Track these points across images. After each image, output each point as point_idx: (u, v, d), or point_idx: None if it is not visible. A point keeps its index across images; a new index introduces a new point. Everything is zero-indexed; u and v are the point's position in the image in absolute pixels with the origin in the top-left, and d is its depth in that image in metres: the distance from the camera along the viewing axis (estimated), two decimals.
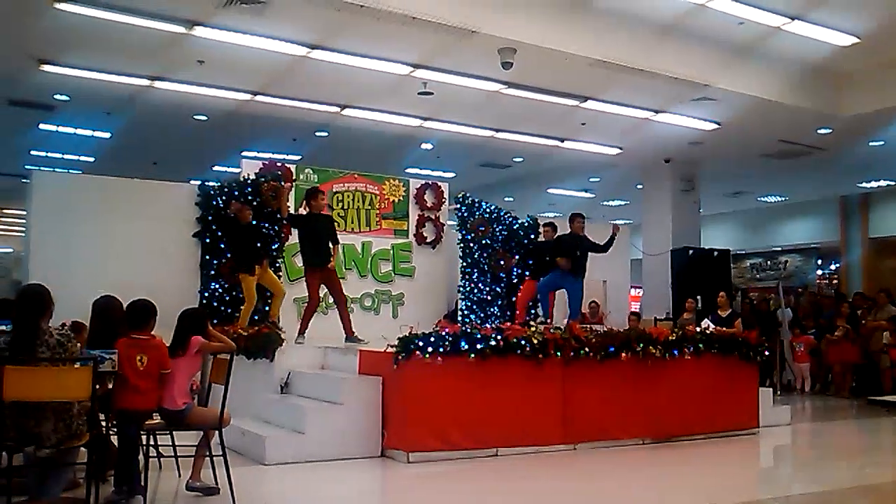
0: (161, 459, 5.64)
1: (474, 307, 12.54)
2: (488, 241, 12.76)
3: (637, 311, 14.73)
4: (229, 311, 10.62)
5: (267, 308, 10.12)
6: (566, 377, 7.42)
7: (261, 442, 6.62)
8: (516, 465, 6.81)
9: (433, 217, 12.97)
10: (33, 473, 4.72)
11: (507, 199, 18.79)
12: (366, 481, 6.50)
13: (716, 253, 15.33)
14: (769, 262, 23.16)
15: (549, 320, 10.43)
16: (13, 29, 9.40)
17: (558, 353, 7.34)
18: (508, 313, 12.43)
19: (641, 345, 7.84)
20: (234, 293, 10.69)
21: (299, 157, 14.70)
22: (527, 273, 12.15)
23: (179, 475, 5.71)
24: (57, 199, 10.51)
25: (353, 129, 13.42)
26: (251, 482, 5.85)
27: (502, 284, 12.73)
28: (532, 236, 12.76)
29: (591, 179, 18.51)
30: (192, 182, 11.81)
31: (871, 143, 14.28)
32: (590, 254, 10.86)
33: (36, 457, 4.62)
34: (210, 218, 11.00)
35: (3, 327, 4.88)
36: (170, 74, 10.89)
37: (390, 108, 12.46)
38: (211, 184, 11.35)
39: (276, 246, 11.01)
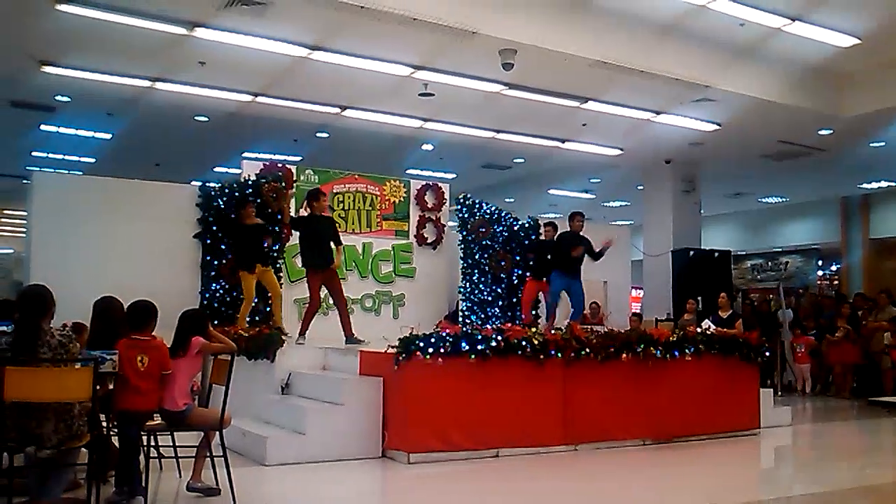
0: (162, 460, 5.63)
1: (475, 308, 12.54)
2: (489, 242, 12.76)
3: (638, 311, 14.73)
4: (230, 311, 10.62)
5: (268, 309, 10.12)
6: (567, 378, 7.42)
7: (261, 442, 6.62)
8: (517, 465, 6.81)
9: (434, 218, 12.97)
10: (34, 474, 4.72)
11: (507, 200, 18.80)
12: (366, 482, 6.50)
13: (716, 254, 15.33)
14: (770, 263, 23.15)
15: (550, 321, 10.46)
16: (15, 30, 9.41)
17: (559, 354, 7.34)
18: (509, 314, 12.44)
19: (642, 346, 7.84)
20: (234, 294, 10.69)
21: (300, 158, 14.71)
22: (527, 273, 12.16)
23: (180, 476, 5.72)
24: (58, 200, 10.51)
25: (353, 130, 13.43)
26: (252, 483, 5.86)
27: (503, 285, 12.73)
28: (533, 237, 12.75)
29: (592, 180, 18.51)
30: (192, 183, 11.81)
31: (871, 144, 14.28)
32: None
33: (37, 457, 4.62)
34: (211, 219, 11.00)
35: (5, 328, 4.88)
36: (171, 76, 10.90)
37: (391, 109, 12.47)
38: (212, 185, 11.36)
39: (277, 247, 11.01)
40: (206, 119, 13.18)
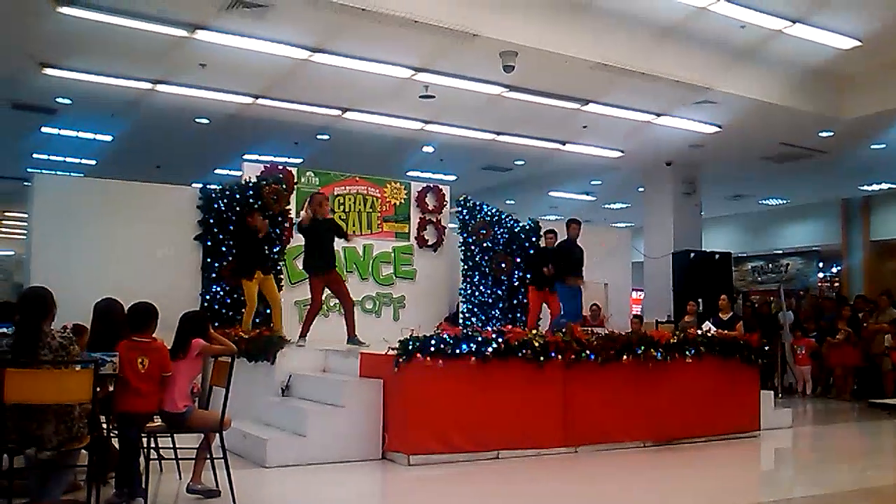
0: (162, 462, 5.64)
1: (475, 310, 12.54)
2: (489, 244, 12.76)
3: (639, 313, 14.73)
4: (230, 313, 10.63)
5: (268, 311, 10.13)
6: (567, 380, 7.42)
7: (262, 444, 6.63)
8: (517, 467, 6.80)
9: (434, 220, 12.97)
10: (34, 475, 4.72)
11: (508, 202, 18.81)
12: (367, 484, 6.50)
13: (717, 256, 15.33)
14: (770, 265, 23.15)
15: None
16: (16, 32, 9.42)
17: (559, 356, 7.34)
18: (510, 316, 12.44)
19: (643, 347, 7.84)
20: (235, 296, 10.70)
21: (301, 161, 14.69)
22: (527, 278, 12.14)
23: (180, 478, 5.72)
24: (59, 203, 10.53)
25: (354, 133, 13.44)
26: (252, 485, 5.86)
27: (503, 287, 12.73)
28: (533, 239, 12.75)
29: (593, 182, 18.51)
30: (193, 185, 11.82)
31: (872, 146, 14.28)
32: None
33: (37, 459, 4.62)
34: (212, 221, 11.01)
35: (5, 330, 4.89)
36: (172, 78, 10.91)
37: (392, 112, 12.48)
38: (212, 187, 11.36)
39: (278, 249, 11.01)
40: (206, 121, 13.19)
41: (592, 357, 7.53)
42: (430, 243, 12.89)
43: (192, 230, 11.02)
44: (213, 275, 10.87)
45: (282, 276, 11.11)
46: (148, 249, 10.75)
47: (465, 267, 12.66)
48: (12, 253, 25.95)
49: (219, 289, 10.81)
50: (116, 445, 5.26)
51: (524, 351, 7.14)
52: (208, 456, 5.33)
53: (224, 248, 10.94)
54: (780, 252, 22.76)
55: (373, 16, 8.43)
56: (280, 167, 12.04)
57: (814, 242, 21.76)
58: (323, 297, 9.41)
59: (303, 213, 9.50)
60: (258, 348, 8.18)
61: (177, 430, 5.37)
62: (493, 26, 9.16)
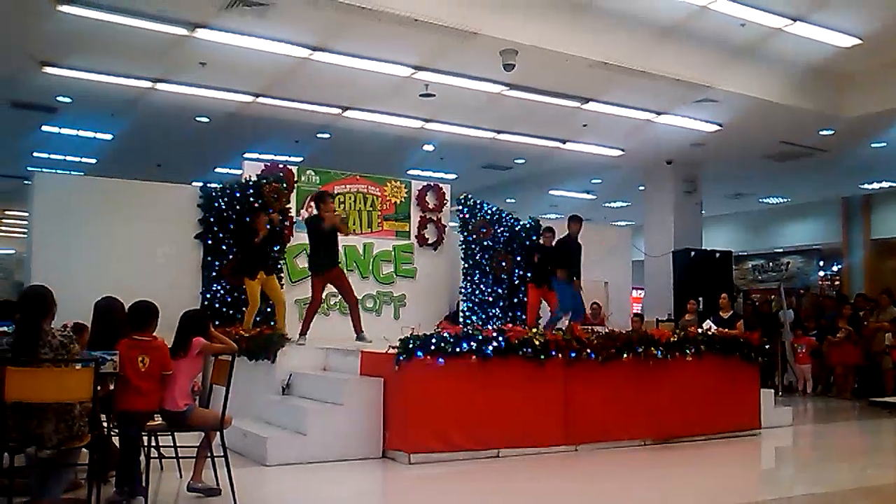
0: (162, 460, 5.64)
1: (476, 308, 12.54)
2: (490, 243, 12.76)
3: (639, 312, 14.73)
4: (231, 312, 10.63)
5: (269, 310, 10.13)
6: (568, 378, 7.43)
7: (262, 443, 6.63)
8: (518, 466, 6.81)
9: (435, 218, 12.97)
10: (35, 474, 4.72)
11: (508, 200, 18.81)
12: (367, 482, 6.50)
13: (717, 254, 15.33)
14: (771, 264, 23.15)
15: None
16: (16, 31, 9.42)
17: (560, 355, 7.34)
18: (510, 314, 12.44)
19: (643, 346, 7.84)
20: (235, 294, 10.71)
21: (301, 159, 14.71)
22: (528, 275, 12.16)
23: (181, 476, 5.72)
24: (59, 201, 10.53)
25: (354, 131, 13.44)
26: (252, 483, 5.86)
27: (504, 286, 12.73)
28: (534, 237, 12.75)
29: (593, 181, 18.51)
30: (194, 184, 11.82)
31: (872, 145, 14.27)
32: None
33: (37, 457, 4.63)
34: (212, 220, 11.01)
35: (6, 328, 4.89)
36: (172, 76, 10.91)
37: (392, 110, 12.48)
38: (213, 186, 11.37)
39: (278, 248, 11.01)
40: (207, 120, 13.19)
41: (593, 356, 7.53)
42: (430, 242, 12.88)
43: (192, 229, 11.03)
44: (214, 273, 10.87)
45: (282, 275, 11.10)
46: (148, 248, 10.75)
47: (466, 265, 12.65)
48: (13, 251, 25.95)
49: (219, 287, 10.81)
50: (117, 444, 5.27)
51: (524, 349, 7.14)
52: (209, 454, 5.33)
53: (224, 247, 10.93)
54: (781, 250, 22.76)
55: (373, 14, 8.43)
56: (280, 166, 12.04)
57: (814, 241, 21.76)
58: (323, 296, 9.41)
59: (303, 212, 9.49)
60: (259, 347, 8.18)
61: (177, 428, 5.37)
62: (494, 25, 9.15)
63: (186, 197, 11.18)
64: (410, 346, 6.75)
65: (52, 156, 16.06)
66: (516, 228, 13.00)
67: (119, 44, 9.55)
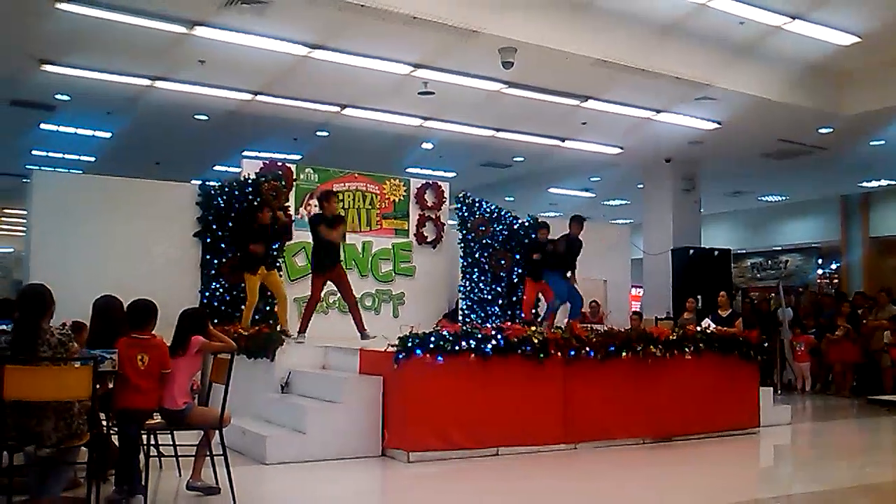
0: (161, 459, 5.65)
1: (475, 307, 12.53)
2: (489, 241, 12.76)
3: (638, 310, 14.73)
4: (230, 310, 10.63)
5: (268, 308, 10.13)
6: (567, 377, 7.43)
7: (261, 441, 6.63)
8: (517, 464, 6.81)
9: (434, 217, 12.96)
10: (34, 472, 4.72)
11: (507, 198, 18.80)
12: (366, 481, 6.50)
13: (716, 252, 15.34)
14: (770, 262, 23.15)
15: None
16: (14, 29, 9.40)
17: (559, 353, 7.34)
18: (509, 313, 12.44)
19: (642, 344, 7.84)
20: (234, 293, 10.70)
21: (300, 157, 14.70)
22: (525, 273, 12.16)
23: (180, 475, 5.72)
24: (58, 199, 10.51)
25: (353, 129, 13.43)
26: (252, 482, 5.86)
27: (503, 284, 12.73)
28: (533, 236, 12.75)
29: (592, 179, 18.51)
30: (193, 182, 11.81)
31: (871, 143, 14.27)
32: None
33: (37, 456, 4.63)
34: (211, 218, 11.00)
35: (4, 327, 4.89)
36: (171, 74, 10.90)
37: (391, 108, 12.47)
38: (212, 184, 11.35)
39: (277, 245, 11.00)
40: (206, 118, 13.18)
41: (592, 354, 7.54)
42: (429, 240, 12.88)
43: (191, 227, 11.01)
44: (213, 272, 10.86)
45: (281, 273, 11.09)
46: (147, 246, 10.74)
47: (465, 264, 12.65)
48: (11, 250, 25.94)
49: (218, 286, 10.80)
50: (116, 442, 5.27)
51: (523, 348, 7.14)
52: (208, 453, 5.33)
53: (223, 245, 10.92)
54: (780, 249, 22.76)
55: (373, 12, 8.42)
56: (279, 164, 12.02)
57: (813, 239, 21.76)
58: (322, 294, 9.40)
59: (302, 209, 9.48)
60: (258, 345, 8.18)
61: (176, 426, 5.37)
62: (494, 23, 9.14)
63: (185, 195, 11.16)
64: (409, 344, 6.75)
65: (51, 154, 16.04)
66: (515, 227, 13.00)
67: (118, 42, 9.54)
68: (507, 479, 6.42)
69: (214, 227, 10.97)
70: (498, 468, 6.71)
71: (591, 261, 11.89)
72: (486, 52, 9.62)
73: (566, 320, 10.06)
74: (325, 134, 14.08)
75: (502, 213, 13.04)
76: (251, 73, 10.78)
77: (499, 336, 7.08)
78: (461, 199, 12.80)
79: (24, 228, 12.77)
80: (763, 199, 21.22)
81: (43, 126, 13.75)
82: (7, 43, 9.86)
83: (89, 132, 14.23)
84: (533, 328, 7.73)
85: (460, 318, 12.19)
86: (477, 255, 12.66)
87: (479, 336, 7.01)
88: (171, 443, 5.70)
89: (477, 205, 12.82)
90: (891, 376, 12.66)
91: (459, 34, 9.08)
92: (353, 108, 12.43)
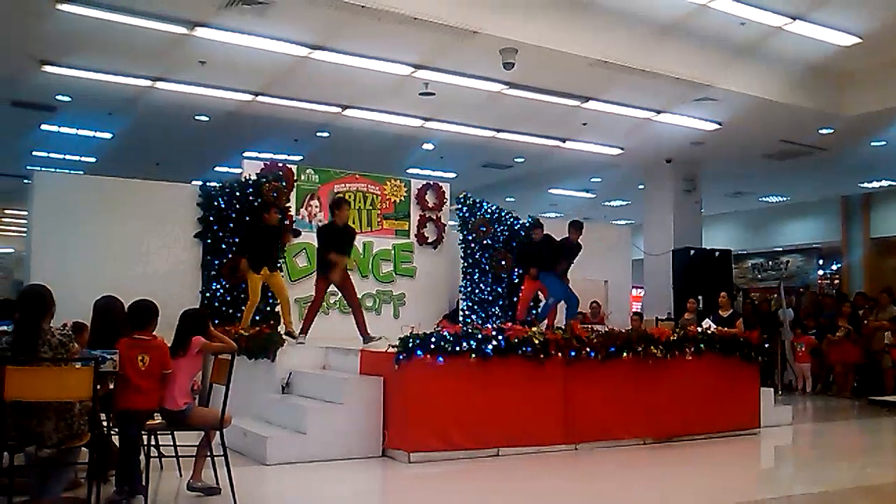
0: (162, 459, 5.65)
1: (475, 307, 12.54)
2: (489, 242, 12.76)
3: (639, 311, 14.73)
4: (230, 311, 10.63)
5: (268, 309, 10.12)
6: (567, 377, 7.42)
7: (262, 442, 6.63)
8: (517, 465, 6.81)
9: (434, 217, 12.97)
10: (35, 473, 4.72)
11: (508, 199, 18.80)
12: (367, 481, 6.50)
13: (717, 253, 15.33)
14: (770, 263, 23.14)
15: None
16: (15, 30, 9.41)
17: (559, 354, 7.34)
18: (510, 313, 12.43)
19: (643, 345, 7.84)
20: (235, 293, 10.70)
21: (300, 158, 14.71)
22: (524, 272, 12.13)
23: (180, 475, 5.72)
24: (58, 200, 10.52)
25: (354, 130, 13.43)
26: (252, 482, 5.86)
27: (503, 285, 12.73)
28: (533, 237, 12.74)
29: (593, 180, 18.51)
30: (193, 183, 11.82)
31: (872, 143, 14.27)
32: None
33: (37, 456, 4.63)
34: (212, 219, 11.00)
35: (5, 327, 4.89)
36: (171, 75, 10.90)
37: (391, 109, 12.47)
38: (212, 184, 11.36)
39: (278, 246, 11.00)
40: (206, 118, 13.18)
41: (593, 354, 7.53)
42: (430, 241, 12.88)
43: (192, 228, 11.02)
44: (214, 272, 10.86)
45: (282, 275, 11.08)
46: (148, 247, 10.75)
47: (465, 264, 12.65)
48: (12, 250, 25.92)
49: (219, 286, 10.80)
50: (117, 443, 5.27)
51: (524, 348, 7.14)
52: (209, 453, 5.33)
53: (224, 246, 10.93)
54: (781, 249, 22.75)
55: (372, 13, 8.42)
56: (280, 164, 12.03)
57: (814, 239, 21.75)
58: (324, 296, 9.41)
59: (303, 210, 9.45)
60: (258, 346, 8.18)
61: (177, 427, 5.37)
62: (494, 23, 9.14)
63: (186, 196, 11.17)
64: (410, 345, 6.75)
65: (52, 154, 16.05)
66: (516, 227, 13.00)
67: (118, 42, 9.55)
68: (509, 479, 6.41)
69: (215, 227, 10.98)
70: (499, 469, 6.71)
71: (591, 261, 11.89)
72: (486, 52, 9.62)
73: (564, 321, 10.08)
74: (326, 135, 14.08)
75: (503, 213, 13.05)
76: (252, 74, 10.78)
77: (499, 337, 7.08)
78: (462, 200, 12.81)
79: (25, 229, 12.77)
80: (764, 199, 21.22)
81: (44, 127, 13.76)
82: (8, 44, 9.87)
83: (90, 133, 14.24)
84: (534, 329, 7.72)
85: (461, 318, 12.19)
86: (478, 256, 12.67)
87: (480, 337, 7.00)
88: (172, 443, 5.71)
89: (477, 205, 12.83)
90: (892, 377, 12.65)
91: (459, 35, 9.08)
92: (353, 109, 12.43)
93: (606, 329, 8.26)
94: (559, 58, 9.85)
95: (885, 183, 18.61)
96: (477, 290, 12.62)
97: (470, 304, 12.55)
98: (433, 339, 6.80)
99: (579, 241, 10.99)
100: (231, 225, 10.99)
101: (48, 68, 10.41)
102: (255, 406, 7.69)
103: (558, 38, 9.64)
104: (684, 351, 8.15)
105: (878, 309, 13.37)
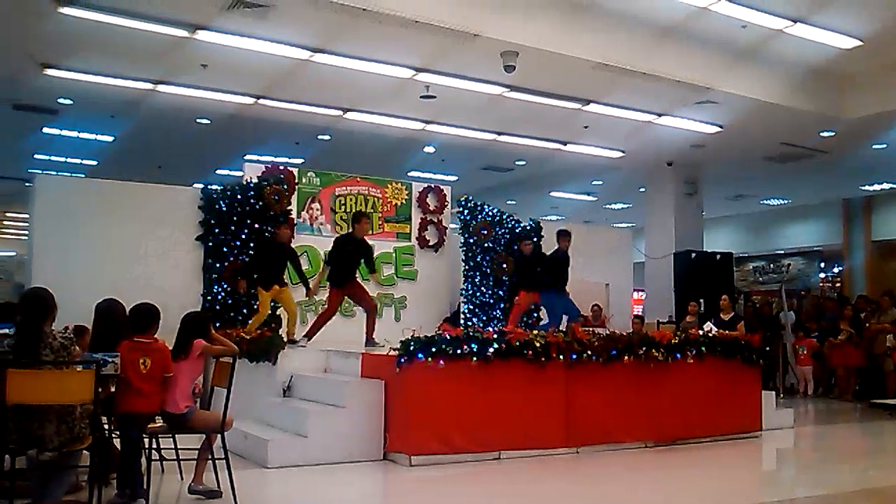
0: (163, 463, 5.65)
1: (477, 310, 12.54)
2: (491, 245, 12.76)
3: (640, 314, 14.71)
4: (232, 314, 10.63)
5: (270, 313, 10.12)
6: (569, 380, 7.41)
7: (263, 445, 6.62)
8: (519, 468, 6.80)
9: (436, 220, 12.98)
10: (36, 476, 4.72)
11: (509, 202, 18.80)
12: (368, 485, 6.49)
13: (718, 256, 15.32)
14: (772, 265, 23.12)
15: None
16: (17, 33, 9.42)
17: (561, 357, 7.33)
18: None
19: (644, 348, 7.83)
20: (236, 297, 10.71)
21: (302, 161, 14.69)
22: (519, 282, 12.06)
23: (182, 478, 5.72)
24: (60, 203, 10.53)
25: (355, 133, 13.44)
26: (253, 486, 5.86)
27: (505, 288, 12.72)
28: (534, 239, 12.74)
29: (594, 182, 18.50)
30: (195, 186, 11.83)
31: (874, 146, 14.26)
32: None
33: (39, 460, 4.62)
34: (213, 222, 11.01)
35: (6, 331, 4.89)
36: (173, 78, 10.91)
37: (393, 112, 12.48)
38: (214, 188, 11.37)
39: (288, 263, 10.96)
40: (208, 121, 13.19)
41: (594, 358, 7.52)
42: (431, 244, 12.89)
43: (193, 231, 11.03)
44: (215, 275, 10.87)
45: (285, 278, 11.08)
46: (149, 250, 10.76)
47: (466, 267, 12.66)
48: (14, 254, 25.96)
49: (220, 289, 10.81)
50: (118, 446, 5.26)
51: (525, 351, 7.13)
52: (210, 456, 5.33)
53: (225, 249, 10.93)
54: (782, 252, 22.73)
55: (373, 16, 8.43)
56: (281, 168, 12.05)
57: (815, 242, 21.74)
58: (337, 308, 9.44)
59: (304, 214, 9.44)
60: (260, 349, 8.18)
61: (178, 430, 5.37)
62: (494, 26, 9.15)
63: (187, 199, 11.18)
64: (411, 347, 6.74)
65: (53, 158, 16.06)
66: (517, 230, 13.00)
67: (120, 45, 9.56)
68: (510, 482, 6.40)
69: (217, 231, 10.98)
70: (500, 472, 6.69)
71: (593, 264, 11.89)
72: (487, 55, 9.63)
73: (566, 324, 10.08)
74: (327, 138, 14.09)
75: (504, 216, 13.05)
76: (253, 77, 10.79)
77: (501, 340, 7.07)
78: (463, 203, 12.82)
79: (27, 232, 12.78)
80: (765, 202, 21.21)
81: (46, 130, 13.77)
82: (9, 46, 9.88)
83: (92, 136, 14.26)
84: (535, 332, 7.71)
85: (462, 321, 12.19)
86: (479, 259, 12.68)
87: (481, 340, 7.00)
88: (173, 446, 5.71)
89: (479, 208, 12.84)
90: (893, 380, 12.63)
91: (460, 38, 9.09)
92: (354, 112, 12.43)
93: (608, 332, 8.24)
94: (560, 61, 9.85)
95: (886, 186, 18.60)
96: (478, 293, 12.62)
97: (471, 307, 12.54)
98: (434, 342, 6.79)
99: (568, 250, 10.97)
100: (232, 228, 11.01)
101: (50, 71, 10.42)
102: (257, 409, 7.68)
103: (559, 41, 9.65)
104: (686, 354, 8.13)
105: (880, 312, 13.35)
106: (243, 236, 11.08)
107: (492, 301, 12.65)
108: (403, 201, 12.77)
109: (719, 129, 12.95)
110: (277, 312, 10.11)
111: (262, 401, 7.79)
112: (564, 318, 10.78)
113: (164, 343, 5.22)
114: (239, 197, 11.14)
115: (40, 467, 4.64)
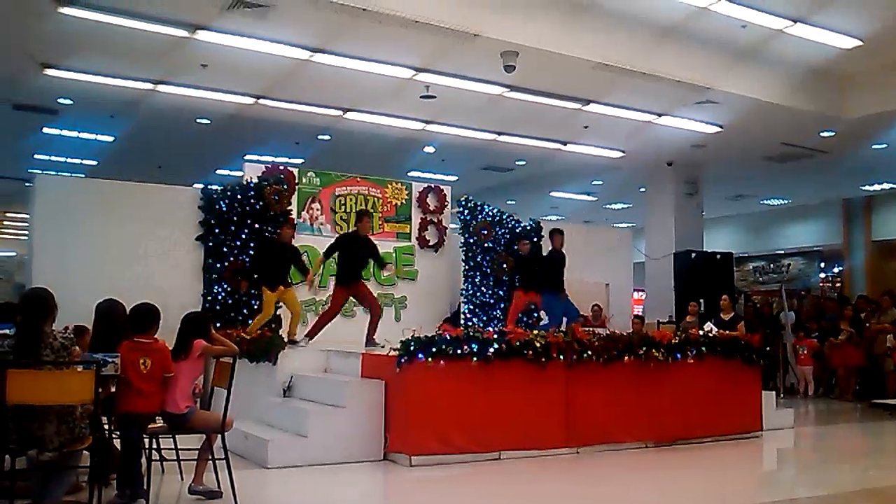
0: (163, 463, 5.65)
1: (477, 310, 12.54)
2: (491, 245, 12.76)
3: (640, 314, 14.71)
4: (232, 314, 10.63)
5: (273, 325, 10.12)
6: (569, 380, 7.41)
7: (263, 445, 6.62)
8: (519, 468, 6.80)
9: (436, 220, 12.98)
10: (36, 477, 4.72)
11: (509, 202, 18.80)
12: (368, 485, 6.49)
13: (718, 256, 15.32)
14: (772, 266, 23.13)
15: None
16: (17, 32, 9.42)
17: (561, 357, 7.33)
18: None
19: (644, 348, 7.83)
20: (237, 297, 10.70)
21: (302, 161, 14.68)
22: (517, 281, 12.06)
23: (182, 479, 5.72)
24: (60, 203, 10.53)
25: (355, 133, 13.44)
26: (254, 486, 5.86)
27: (505, 288, 12.72)
28: (534, 239, 12.75)
29: (594, 182, 18.50)
30: (195, 186, 11.83)
31: (874, 146, 14.27)
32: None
33: (39, 460, 4.62)
34: (213, 222, 11.01)
35: (7, 331, 4.88)
36: (173, 78, 10.91)
37: (393, 112, 12.48)
38: (214, 188, 11.37)
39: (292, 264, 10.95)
40: (208, 121, 13.19)
41: (594, 358, 7.52)
42: (431, 244, 12.89)
43: (193, 231, 11.03)
44: (215, 275, 10.87)
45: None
46: (149, 250, 10.75)
47: (467, 267, 12.65)
48: (14, 254, 25.97)
49: (220, 290, 10.81)
50: (118, 446, 5.26)
51: (526, 351, 7.13)
52: (210, 457, 5.33)
53: (225, 249, 10.93)
54: (782, 252, 22.74)
55: (373, 16, 8.43)
56: (281, 168, 12.05)
57: (815, 242, 21.75)
58: (340, 307, 9.42)
59: (304, 213, 9.45)
60: (260, 349, 8.18)
61: (178, 430, 5.37)
62: (494, 26, 9.15)
63: (187, 199, 11.18)
64: (411, 348, 6.74)
65: (53, 158, 16.06)
66: (517, 230, 13.00)
67: (120, 45, 9.56)
68: (510, 483, 6.40)
69: (217, 231, 10.98)
70: (501, 472, 6.69)
71: (593, 264, 11.88)
72: (487, 55, 9.63)
73: (566, 324, 10.07)
74: (327, 138, 14.09)
75: (504, 216, 13.05)
76: (253, 77, 10.79)
77: (501, 340, 7.07)
78: (463, 203, 12.82)
79: (27, 232, 12.78)
80: (765, 202, 21.21)
81: (45, 130, 13.77)
82: (9, 46, 9.87)
83: (91, 136, 14.26)
84: (535, 332, 7.71)
85: (462, 321, 12.18)
86: (479, 259, 12.67)
87: (482, 340, 7.00)
88: (174, 447, 5.71)
89: (479, 208, 12.84)
90: (894, 380, 12.62)
91: (460, 37, 9.09)
92: (354, 112, 12.43)
93: (608, 332, 8.24)
94: (560, 60, 9.85)
95: (886, 186, 18.61)
96: (478, 293, 12.62)
97: (471, 307, 12.54)
98: (434, 342, 6.79)
99: (562, 248, 10.97)
100: (232, 228, 11.00)
101: (50, 71, 10.42)
102: (257, 409, 7.68)
103: (559, 41, 9.65)
104: (686, 354, 8.14)
105: (880, 312, 13.35)
106: (243, 236, 11.08)
107: (492, 301, 12.65)
108: (403, 201, 12.77)
109: (719, 129, 12.95)
110: (279, 312, 10.10)
111: (263, 401, 7.79)
112: (564, 319, 10.79)
113: (164, 343, 5.23)
114: (239, 197, 11.14)
115: (40, 467, 4.64)
